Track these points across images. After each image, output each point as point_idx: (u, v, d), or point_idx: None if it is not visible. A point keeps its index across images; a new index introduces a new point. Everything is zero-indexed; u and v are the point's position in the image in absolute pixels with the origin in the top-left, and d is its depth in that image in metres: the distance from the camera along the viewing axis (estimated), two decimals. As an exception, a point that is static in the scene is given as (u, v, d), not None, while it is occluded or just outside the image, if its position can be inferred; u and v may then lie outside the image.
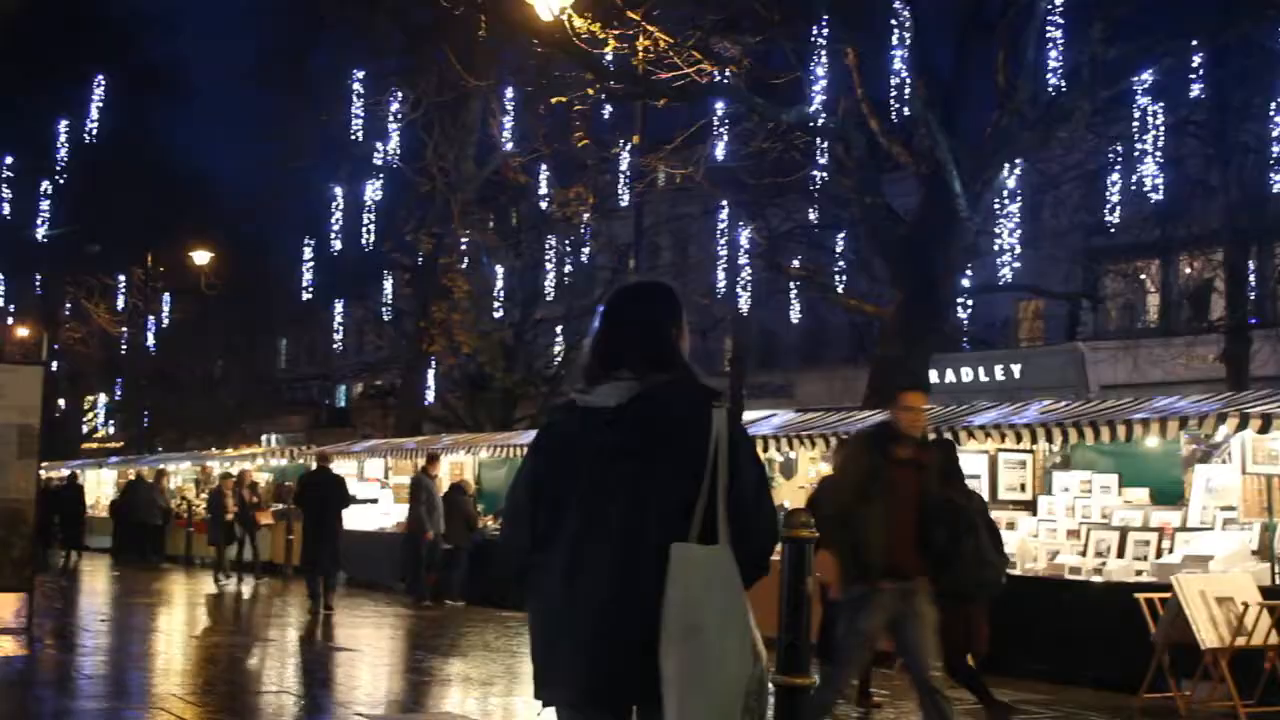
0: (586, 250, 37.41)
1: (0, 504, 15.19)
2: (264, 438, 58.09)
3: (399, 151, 34.01)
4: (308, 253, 41.49)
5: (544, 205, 33.52)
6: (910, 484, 8.25)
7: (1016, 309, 40.95)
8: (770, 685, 4.26)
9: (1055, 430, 14.27)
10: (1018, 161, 22.64)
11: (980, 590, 9.63)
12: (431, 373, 38.33)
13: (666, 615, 3.95)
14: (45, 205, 50.33)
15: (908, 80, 21.35)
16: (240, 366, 56.79)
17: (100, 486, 40.78)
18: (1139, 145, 23.26)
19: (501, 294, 36.58)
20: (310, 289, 42.90)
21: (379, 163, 34.70)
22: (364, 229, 36.32)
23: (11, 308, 56.35)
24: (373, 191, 36.00)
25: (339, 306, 45.57)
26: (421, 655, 15.24)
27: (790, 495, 18.09)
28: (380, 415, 56.01)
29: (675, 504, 4.06)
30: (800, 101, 22.20)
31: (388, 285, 40.71)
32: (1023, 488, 15.60)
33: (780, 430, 17.40)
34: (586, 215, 30.83)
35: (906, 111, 21.84)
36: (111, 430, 63.04)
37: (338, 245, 37.83)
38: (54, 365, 44.43)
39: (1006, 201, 22.95)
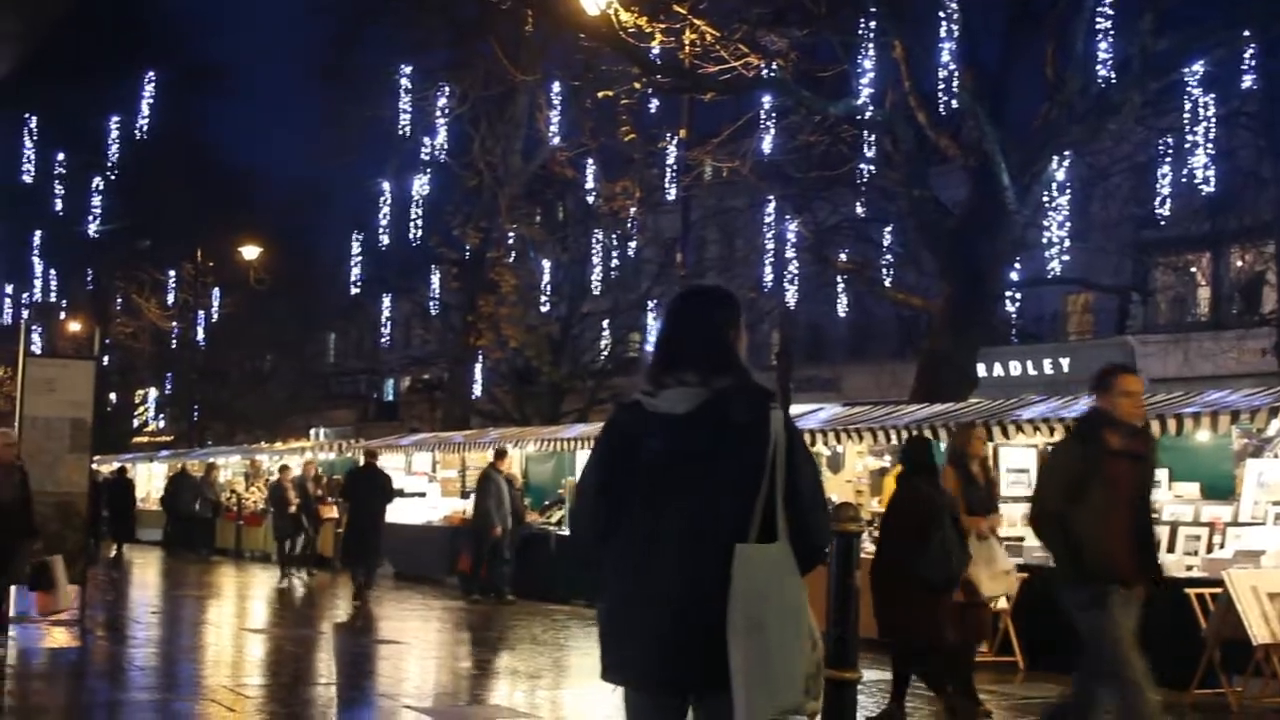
0: (633, 244, 37.38)
1: (53, 497, 15.32)
2: (312, 431, 58.38)
3: (446, 146, 34.10)
4: (356, 247, 41.68)
5: (591, 199, 33.51)
6: (1129, 478, 7.67)
7: (1065, 302, 40.71)
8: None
9: (1104, 424, 14.15)
10: (1067, 154, 22.45)
11: (947, 582, 9.96)
12: (479, 367, 38.41)
13: (731, 610, 4.23)
14: (97, 202, 50.78)
15: (955, 72, 21.22)
16: (289, 361, 57.12)
17: (151, 480, 41.11)
18: (1190, 137, 23.04)
19: (548, 288, 36.59)
20: (358, 283, 43.10)
21: (426, 157, 34.80)
22: (412, 223, 36.44)
23: (64, 303, 56.90)
24: (420, 186, 36.11)
25: (387, 301, 45.70)
26: (469, 648, 15.30)
27: (838, 489, 18.06)
28: (428, 409, 56.19)
29: (738, 504, 4.34)
30: (847, 94, 22.11)
31: (435, 279, 40.78)
32: (1072, 482, 15.50)
33: (827, 424, 17.36)
34: (633, 209, 30.79)
35: (954, 104, 21.71)
36: (162, 424, 63.52)
37: (386, 240, 37.98)
38: (105, 360, 44.75)
39: (1055, 194, 22.76)
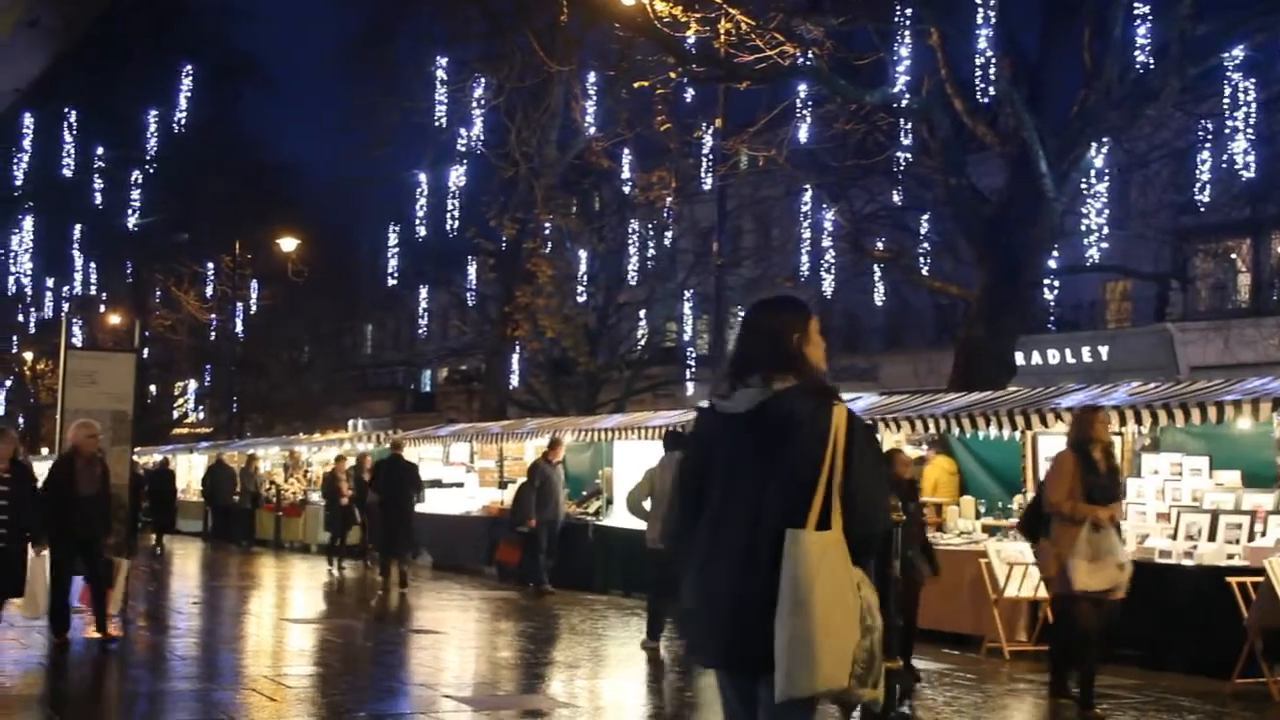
0: (669, 234, 37.37)
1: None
2: (350, 423, 58.66)
3: (482, 137, 34.12)
4: (393, 239, 41.75)
5: (627, 189, 33.50)
6: None
7: (1104, 290, 40.48)
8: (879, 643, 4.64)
9: (1145, 412, 14.07)
10: (1105, 140, 22.32)
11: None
12: (516, 357, 38.50)
13: (780, 592, 4.55)
14: (135, 195, 51.00)
15: (992, 59, 21.11)
16: (327, 352, 57.40)
17: (191, 471, 41.36)
18: (1229, 122, 22.84)
19: (585, 278, 36.60)
20: (395, 275, 43.18)
21: (463, 149, 34.83)
22: (448, 215, 36.48)
23: (104, 296, 57.24)
24: (456, 177, 36.15)
25: (424, 292, 45.81)
26: (507, 638, 15.33)
27: (875, 479, 18.01)
28: (465, 399, 56.38)
29: (793, 494, 4.64)
30: (884, 83, 22.04)
31: (472, 270, 40.87)
32: (1112, 470, 15.42)
33: (864, 413, 17.30)
34: (669, 199, 30.77)
35: (991, 91, 21.59)
36: (201, 416, 63.88)
37: (422, 231, 38.03)
38: (145, 352, 45.02)
39: (1093, 181, 22.61)
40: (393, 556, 21.56)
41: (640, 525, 14.65)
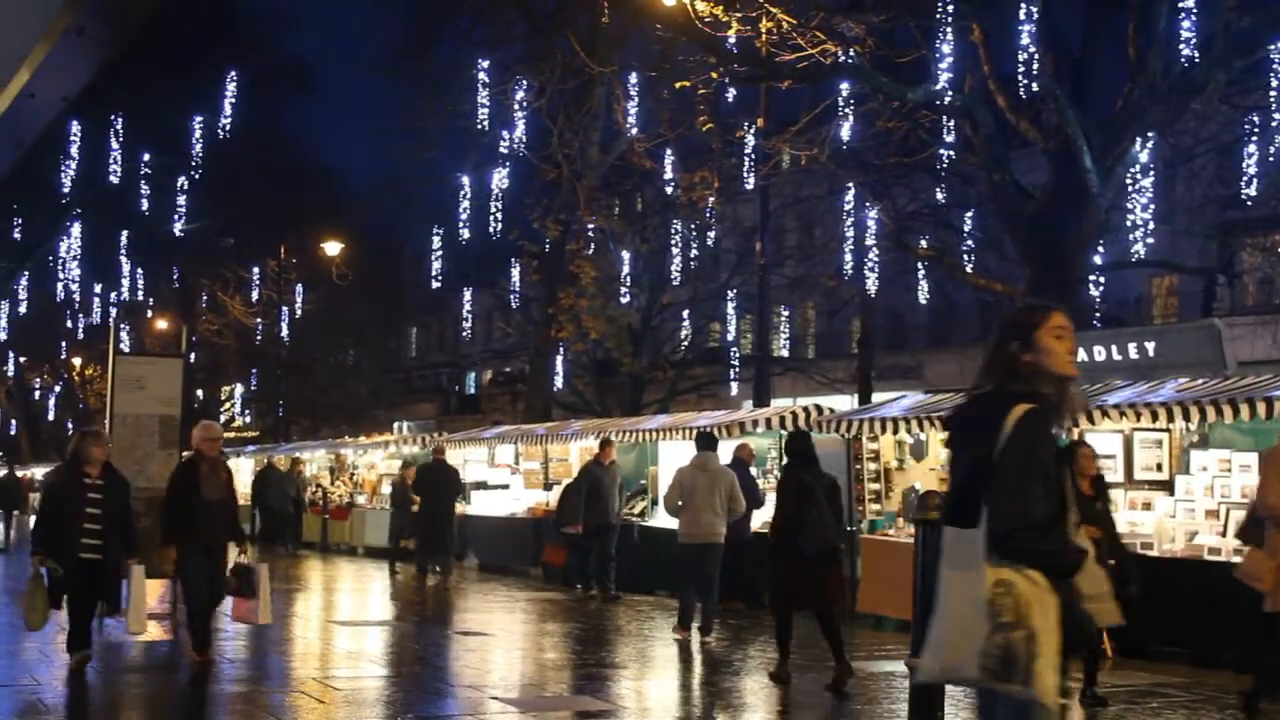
0: (712, 234, 37.35)
1: (145, 493, 15.53)
2: (395, 425, 58.90)
3: (525, 139, 34.21)
4: (436, 242, 41.92)
5: (669, 190, 33.51)
6: None
7: (1150, 285, 40.22)
8: (1033, 643, 4.58)
9: (1192, 408, 13.96)
10: (1150, 135, 22.19)
11: (816, 550, 11.85)
12: (560, 359, 38.55)
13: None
14: (182, 201, 51.40)
15: (1035, 55, 21.02)
16: (372, 355, 57.62)
17: (237, 475, 41.50)
18: (1276, 115, 22.67)
19: (628, 279, 36.63)
20: (439, 278, 43.35)
21: (505, 151, 34.93)
22: (491, 217, 36.59)
23: (151, 301, 57.71)
24: (499, 180, 36.26)
25: (468, 294, 45.98)
26: (553, 639, 15.36)
27: (921, 477, 17.97)
28: (509, 401, 56.55)
29: (964, 492, 4.81)
30: (926, 80, 21.97)
31: (515, 272, 40.96)
32: (1159, 467, 15.32)
33: (909, 412, 17.25)
34: (712, 199, 30.78)
35: (1035, 87, 21.51)
36: (248, 419, 64.30)
37: (466, 234, 38.16)
38: (192, 357, 45.38)
39: (1139, 176, 22.49)
40: (436, 559, 21.67)
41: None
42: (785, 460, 12.94)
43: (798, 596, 12.12)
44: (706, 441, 15.22)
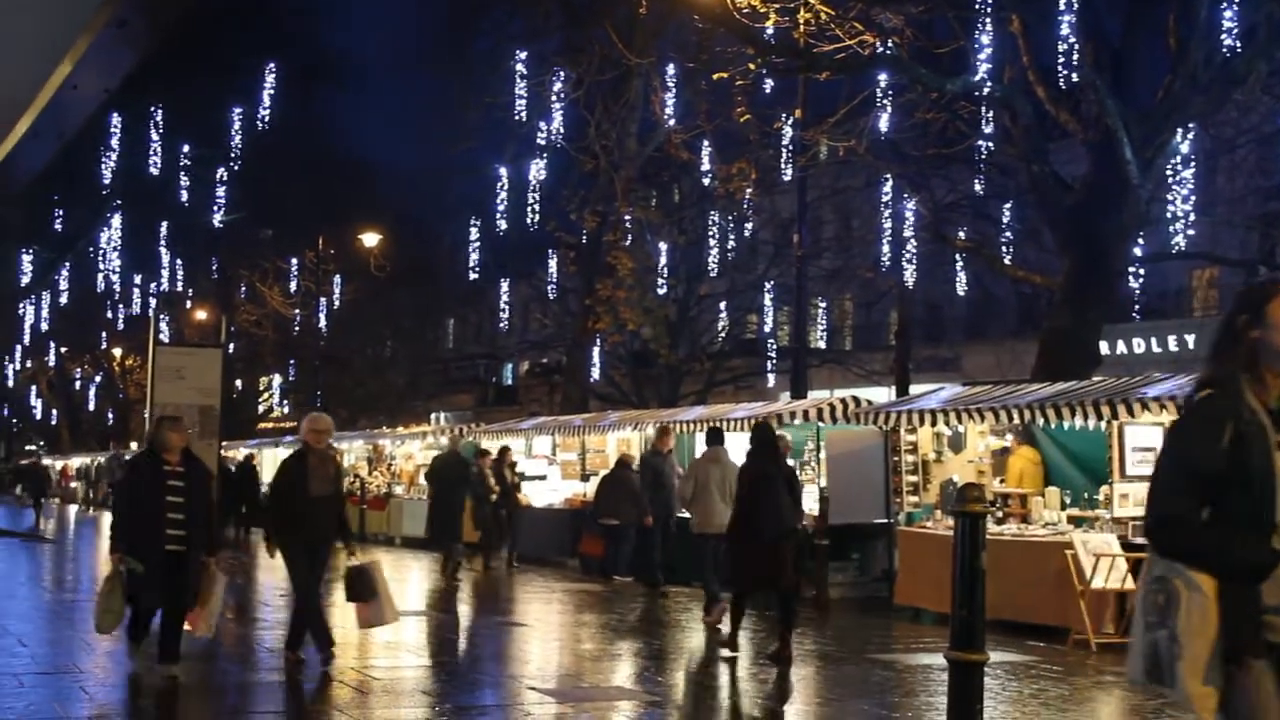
0: (749, 225, 37.30)
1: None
2: (432, 416, 59.05)
3: (562, 131, 34.23)
4: (474, 233, 42.01)
5: (707, 181, 33.48)
6: None
7: (1190, 278, 39.98)
8: (1173, 645, 4.26)
9: (1233, 401, 13.85)
10: (1191, 126, 22.03)
11: (774, 534, 12.74)
12: (597, 350, 38.58)
13: None
14: (221, 192, 51.66)
15: (1075, 45, 20.89)
16: (409, 346, 57.76)
17: (276, 465, 41.77)
18: (1320, 106, 22.52)
19: (665, 270, 36.62)
20: (477, 269, 43.45)
21: (542, 142, 34.97)
22: (529, 208, 36.65)
23: (190, 292, 58.03)
24: (537, 171, 36.30)
25: (505, 286, 46.04)
26: (591, 630, 15.39)
27: (959, 470, 17.92)
28: (546, 393, 56.60)
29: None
30: (964, 70, 21.86)
31: (553, 264, 41.01)
32: (1199, 460, 15.22)
33: (947, 404, 17.21)
34: (749, 190, 30.73)
35: (1074, 77, 21.37)
36: (286, 410, 64.59)
37: (503, 225, 38.23)
38: (231, 347, 45.61)
39: (1179, 167, 22.33)
40: (445, 549, 21.77)
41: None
42: (748, 450, 13.60)
43: (757, 578, 13.03)
44: (715, 436, 15.88)
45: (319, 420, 12.18)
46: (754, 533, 12.81)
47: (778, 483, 13.00)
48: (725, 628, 14.11)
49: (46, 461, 72.57)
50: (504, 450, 25.08)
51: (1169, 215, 22.72)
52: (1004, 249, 27.69)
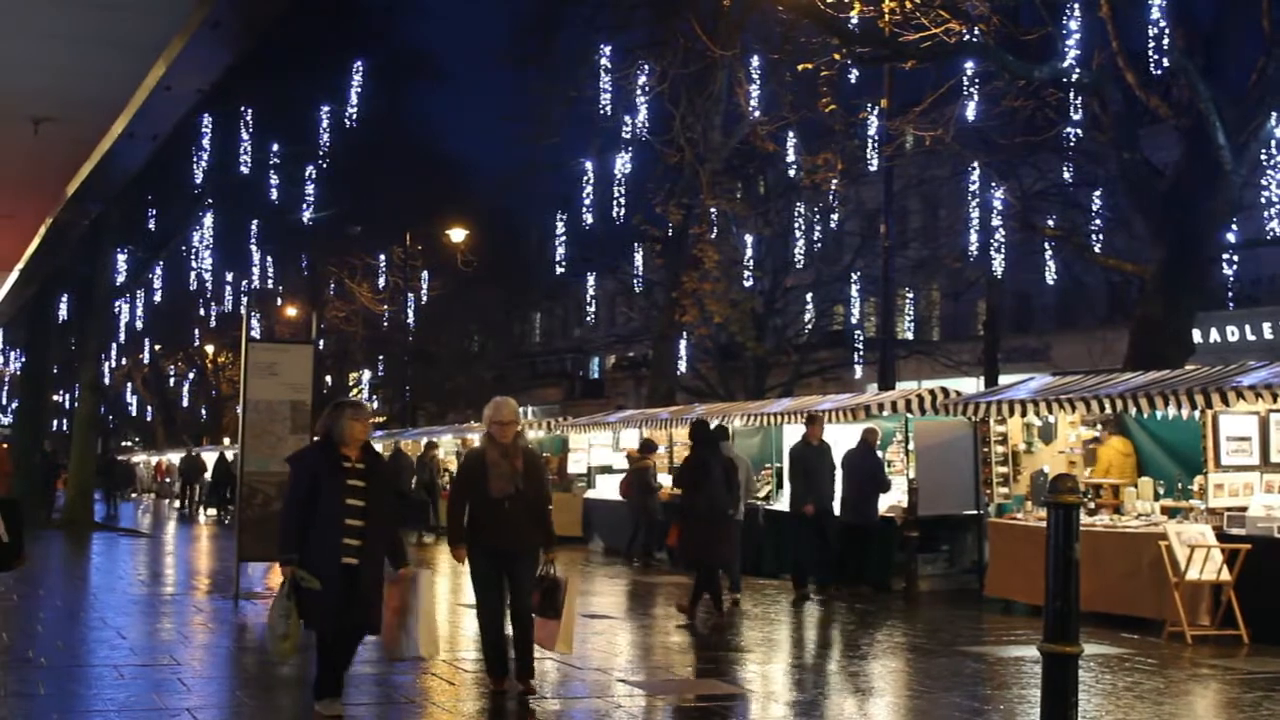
0: (835, 216, 37.14)
1: (276, 477, 15.84)
2: (520, 410, 59.28)
3: (647, 124, 34.19)
4: (560, 227, 42.13)
5: (792, 172, 33.33)
6: None
7: (1286, 264, 39.33)
8: None
9: (1329, 390, 13.66)
10: (1285, 109, 21.67)
11: (710, 514, 15.57)
12: (683, 343, 38.59)
13: None
14: (310, 190, 52.14)
15: (1166, 29, 20.61)
16: (496, 341, 58.06)
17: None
18: None
19: (751, 263, 36.55)
20: (563, 263, 43.57)
21: (628, 136, 34.97)
22: (614, 202, 36.67)
23: (280, 289, 58.65)
24: (622, 165, 36.31)
25: (591, 280, 46.16)
26: (677, 622, 15.40)
27: (1049, 460, 17.77)
28: (633, 386, 56.76)
29: None
30: (1052, 57, 21.63)
31: (638, 257, 41.07)
32: (1296, 450, 15.02)
33: (1037, 394, 17.05)
34: (835, 181, 30.57)
35: (1165, 62, 21.08)
36: (375, 405, 65.18)
37: (589, 219, 38.30)
38: (321, 343, 46.08)
39: (1274, 152, 21.98)
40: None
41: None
42: (691, 443, 16.19)
43: (698, 550, 15.70)
44: (720, 433, 17.66)
45: (501, 409, 10.76)
46: (693, 513, 15.71)
47: (715, 471, 15.67)
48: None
49: (138, 458, 73.65)
50: (644, 444, 24.76)
51: (1263, 200, 22.36)
52: (1093, 237, 27.36)
